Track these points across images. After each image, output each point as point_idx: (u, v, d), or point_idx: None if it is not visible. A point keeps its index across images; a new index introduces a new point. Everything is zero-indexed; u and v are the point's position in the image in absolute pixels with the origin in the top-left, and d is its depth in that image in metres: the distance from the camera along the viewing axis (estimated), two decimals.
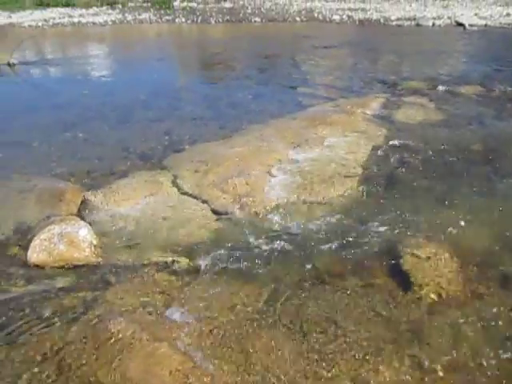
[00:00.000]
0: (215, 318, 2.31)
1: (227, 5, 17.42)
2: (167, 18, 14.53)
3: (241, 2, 17.76)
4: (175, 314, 2.35)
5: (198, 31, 13.07)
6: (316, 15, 14.24)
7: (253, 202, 3.36)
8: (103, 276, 2.65)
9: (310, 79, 7.15)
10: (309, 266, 2.68)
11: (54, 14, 15.54)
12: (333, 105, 5.65)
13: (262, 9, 15.91)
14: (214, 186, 3.61)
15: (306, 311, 2.33)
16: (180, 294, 2.49)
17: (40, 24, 13.61)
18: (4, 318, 2.35)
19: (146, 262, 2.77)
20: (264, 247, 2.88)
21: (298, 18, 13.81)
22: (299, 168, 3.83)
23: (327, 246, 2.87)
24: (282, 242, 2.91)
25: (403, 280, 2.50)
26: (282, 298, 2.44)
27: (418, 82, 6.56)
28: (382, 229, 3.00)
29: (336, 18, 13.71)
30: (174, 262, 2.80)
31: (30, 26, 13.50)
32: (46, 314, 2.37)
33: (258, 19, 13.83)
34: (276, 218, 3.20)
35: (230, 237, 3.02)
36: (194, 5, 17.21)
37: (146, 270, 2.69)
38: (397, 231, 2.97)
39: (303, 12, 14.84)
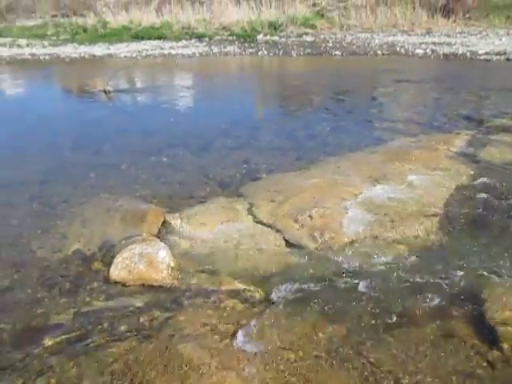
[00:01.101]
0: (284, 350, 2.27)
1: (308, 38, 17.76)
2: (250, 50, 15.10)
3: (322, 36, 18.04)
4: (244, 343, 2.35)
5: (279, 63, 13.42)
6: (398, 49, 14.06)
7: (328, 235, 3.32)
8: (177, 298, 2.73)
9: (390, 113, 7.03)
10: (382, 308, 2.57)
11: (147, 46, 16.77)
12: (414, 140, 5.49)
13: (343, 42, 16.03)
14: (289, 216, 3.61)
15: (377, 355, 2.22)
16: (250, 323, 2.49)
17: (134, 55, 14.75)
18: (83, 330, 2.48)
19: (218, 288, 2.81)
20: (337, 283, 2.81)
21: (379, 52, 13.73)
22: (376, 204, 3.73)
23: (403, 287, 2.74)
24: (356, 280, 2.83)
25: (489, 332, 2.30)
26: (353, 338, 2.35)
27: (506, 120, 6.20)
28: (463, 273, 2.81)
29: (419, 52, 13.45)
30: (245, 290, 2.82)
31: (125, 56, 14.67)
32: (122, 330, 2.47)
33: (338, 53, 13.93)
34: (350, 254, 3.12)
35: (303, 269, 2.99)
36: (276, 38, 17.75)
37: (218, 296, 2.73)
38: (481, 277, 2.76)
39: (385, 46, 14.74)
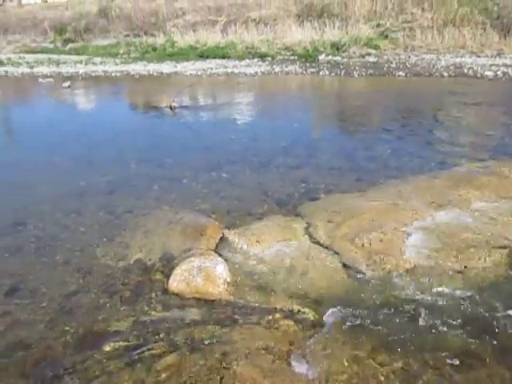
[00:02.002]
0: (336, 375, 2.22)
1: (371, 59, 17.58)
2: (312, 70, 15.16)
3: (385, 57, 17.79)
4: (297, 364, 2.32)
5: (340, 83, 13.36)
6: (466, 71, 13.56)
7: (386, 260, 3.22)
8: (232, 314, 2.75)
9: (456, 137, 6.75)
10: (441, 340, 2.44)
11: (211, 64, 17.33)
12: (481, 166, 5.23)
13: (407, 63, 15.71)
14: (347, 238, 3.55)
15: None
16: (304, 344, 2.46)
17: (199, 73, 15.27)
18: (141, 339, 2.56)
19: (273, 307, 2.80)
20: (394, 311, 2.72)
21: (445, 74, 13.30)
22: (439, 231, 3.58)
23: (466, 321, 2.60)
24: (415, 309, 2.72)
25: None
26: (411, 371, 2.25)
27: None
28: None
29: (489, 74, 12.88)
30: (299, 311, 2.80)
31: (190, 74, 15.22)
32: (178, 341, 2.52)
33: (402, 73, 13.66)
34: (410, 282, 3.01)
35: (359, 293, 2.92)
36: (338, 59, 17.72)
37: (273, 315, 2.72)
38: None
39: (451, 67, 14.27)
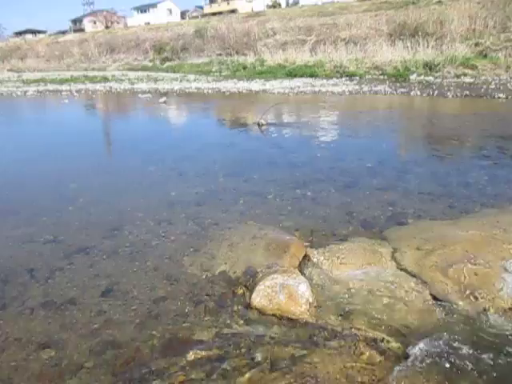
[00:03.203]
0: None
1: (467, 79, 16.67)
2: (402, 90, 14.73)
3: (483, 78, 16.77)
4: None
5: (433, 104, 12.81)
6: None
7: (481, 296, 2.99)
8: (313, 336, 2.70)
9: None
10: None
11: (299, 83, 17.54)
12: None
13: (509, 85, 14.68)
14: (437, 268, 3.35)
15: None
16: (386, 375, 2.35)
17: (287, 91, 15.53)
18: (222, 351, 2.60)
19: (355, 333, 2.71)
20: (489, 351, 2.50)
21: None
22: None
23: None
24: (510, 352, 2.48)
25: None
26: None
27: None
28: None
29: None
30: (383, 340, 2.68)
31: (278, 92, 15.52)
32: (258, 357, 2.52)
33: (502, 95, 12.77)
34: (507, 321, 2.76)
35: (449, 329, 2.73)
36: (430, 78, 17.04)
37: (355, 342, 2.63)
38: None
39: None
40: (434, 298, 3.08)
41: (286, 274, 3.08)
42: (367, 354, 2.56)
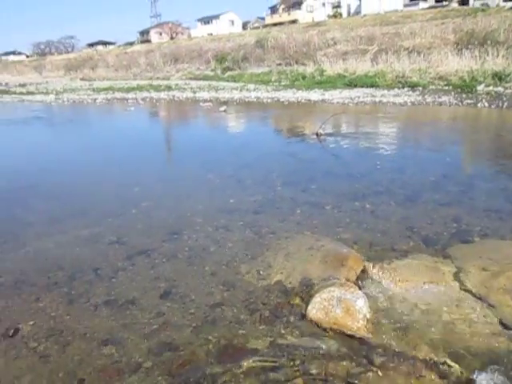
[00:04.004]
0: None
1: None
2: (468, 101, 14.09)
3: None
4: None
5: (502, 117, 12.14)
6: None
7: None
8: (370, 353, 2.63)
9: None
10: None
11: (359, 93, 17.28)
12: None
13: None
14: (505, 292, 3.15)
15: None
16: None
17: (346, 101, 15.35)
18: (277, 362, 2.59)
19: (414, 354, 2.60)
20: None
21: None
22: None
23: None
24: None
25: None
26: None
27: None
28: None
29: None
30: (444, 363, 2.55)
31: (337, 102, 15.38)
32: (312, 371, 2.49)
33: None
34: None
35: None
36: (500, 89, 16.17)
37: (414, 364, 2.53)
38: None
39: None
40: (502, 323, 2.90)
41: (344, 287, 3.02)
42: (427, 376, 2.45)
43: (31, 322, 3.09)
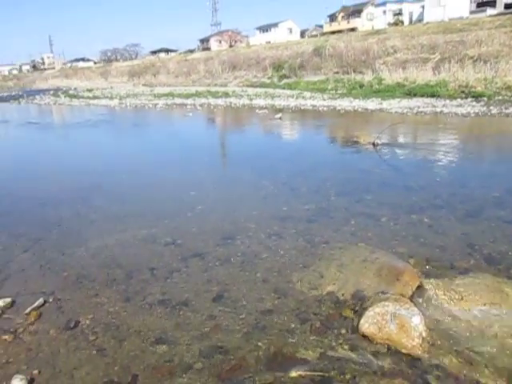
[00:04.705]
0: None
1: None
2: None
3: None
4: None
5: None
6: None
7: None
8: (424, 373, 2.53)
9: None
10: None
11: (418, 103, 16.73)
12: None
13: None
14: None
15: None
16: None
17: (405, 111, 14.91)
18: (326, 374, 2.55)
19: (473, 379, 2.48)
20: None
21: None
22: None
23: None
24: None
25: None
26: None
27: None
28: None
29: None
30: None
31: (396, 112, 14.98)
32: None
33: None
34: None
35: None
36: None
37: None
38: None
39: None
40: None
41: (398, 302, 2.93)
42: None
43: (90, 316, 3.24)
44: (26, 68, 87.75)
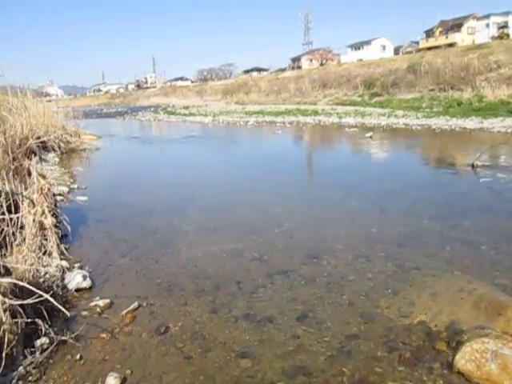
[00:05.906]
0: None
1: None
2: None
3: None
4: None
5: None
6: None
7: None
8: None
9: None
10: None
11: None
12: None
13: None
14: None
15: None
16: None
17: (509, 130, 13.79)
18: None
19: None
20: None
21: None
22: None
23: None
24: None
25: None
26: None
27: None
28: None
29: None
30: None
31: (498, 131, 13.93)
32: None
33: None
34: None
35: None
36: None
37: None
38: None
39: None
40: None
41: (500, 340, 2.68)
42: None
43: (179, 323, 3.38)
44: (131, 87, 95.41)
